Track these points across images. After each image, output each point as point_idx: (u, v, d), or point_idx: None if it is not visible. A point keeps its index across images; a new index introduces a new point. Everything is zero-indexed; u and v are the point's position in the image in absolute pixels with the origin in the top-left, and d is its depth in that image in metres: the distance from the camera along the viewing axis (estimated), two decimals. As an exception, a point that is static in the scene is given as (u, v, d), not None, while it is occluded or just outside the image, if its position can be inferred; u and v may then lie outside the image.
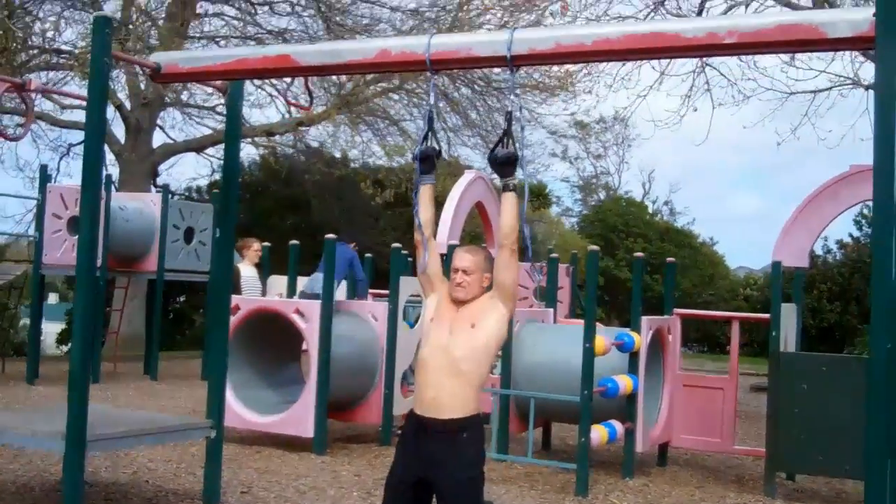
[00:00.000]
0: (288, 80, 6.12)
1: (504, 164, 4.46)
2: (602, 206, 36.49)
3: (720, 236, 62.50)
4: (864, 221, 25.84)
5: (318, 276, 10.20)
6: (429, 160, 4.66)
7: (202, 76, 6.21)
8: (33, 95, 7.84)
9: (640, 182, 46.42)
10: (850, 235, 27.04)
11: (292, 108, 21.98)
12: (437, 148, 4.73)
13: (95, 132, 5.81)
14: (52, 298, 38.84)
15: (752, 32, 4.60)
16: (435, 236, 4.78)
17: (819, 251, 27.19)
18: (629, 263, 26.71)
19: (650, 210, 38.63)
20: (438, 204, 5.44)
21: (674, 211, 42.96)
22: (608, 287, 28.55)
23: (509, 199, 4.40)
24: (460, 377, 4.28)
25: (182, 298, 25.58)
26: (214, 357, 6.55)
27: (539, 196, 32.20)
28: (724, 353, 25.22)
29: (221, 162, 23.10)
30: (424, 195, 4.66)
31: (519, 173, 4.47)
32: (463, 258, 4.49)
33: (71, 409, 5.43)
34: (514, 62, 4.96)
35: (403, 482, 4.36)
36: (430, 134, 4.72)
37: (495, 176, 5.31)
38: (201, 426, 6.37)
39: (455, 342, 4.32)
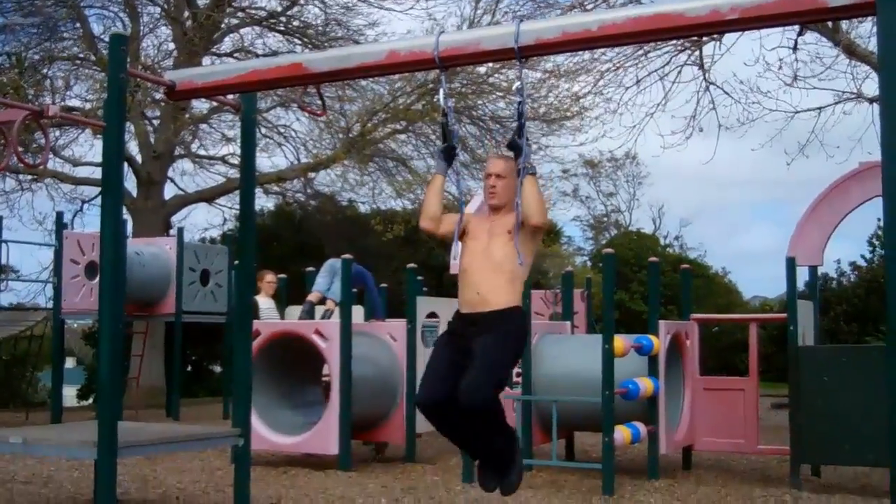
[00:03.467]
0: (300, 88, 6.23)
1: (511, 147, 4.69)
2: (613, 240, 36.42)
3: (733, 270, 62.14)
4: (877, 244, 25.76)
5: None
6: (444, 153, 4.83)
7: (217, 90, 6.29)
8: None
9: (650, 218, 46.11)
10: (863, 257, 26.95)
11: (300, 153, 22.25)
12: (449, 143, 4.87)
13: (114, 153, 5.91)
14: (70, 363, 38.79)
15: (754, 6, 4.71)
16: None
17: (833, 273, 27.14)
18: (644, 296, 26.63)
19: (662, 243, 38.51)
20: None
21: (685, 247, 42.85)
22: (623, 321, 28.42)
23: (524, 183, 4.55)
24: (502, 275, 4.56)
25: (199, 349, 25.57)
26: (239, 367, 6.58)
27: (549, 233, 32.27)
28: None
29: (233, 211, 23.01)
30: (433, 184, 4.85)
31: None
32: (496, 164, 4.84)
33: (102, 414, 5.47)
34: (522, 53, 5.05)
35: (453, 337, 4.62)
36: (446, 130, 4.87)
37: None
38: (229, 434, 6.41)
39: (494, 245, 4.60)
